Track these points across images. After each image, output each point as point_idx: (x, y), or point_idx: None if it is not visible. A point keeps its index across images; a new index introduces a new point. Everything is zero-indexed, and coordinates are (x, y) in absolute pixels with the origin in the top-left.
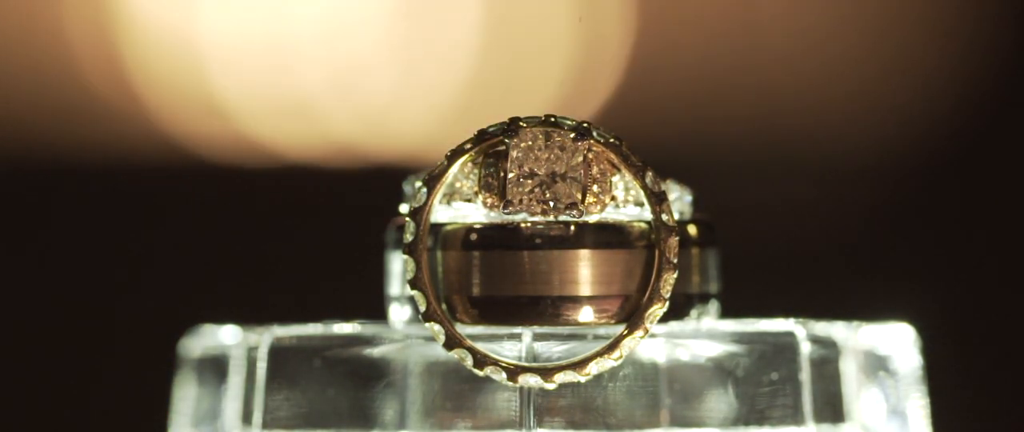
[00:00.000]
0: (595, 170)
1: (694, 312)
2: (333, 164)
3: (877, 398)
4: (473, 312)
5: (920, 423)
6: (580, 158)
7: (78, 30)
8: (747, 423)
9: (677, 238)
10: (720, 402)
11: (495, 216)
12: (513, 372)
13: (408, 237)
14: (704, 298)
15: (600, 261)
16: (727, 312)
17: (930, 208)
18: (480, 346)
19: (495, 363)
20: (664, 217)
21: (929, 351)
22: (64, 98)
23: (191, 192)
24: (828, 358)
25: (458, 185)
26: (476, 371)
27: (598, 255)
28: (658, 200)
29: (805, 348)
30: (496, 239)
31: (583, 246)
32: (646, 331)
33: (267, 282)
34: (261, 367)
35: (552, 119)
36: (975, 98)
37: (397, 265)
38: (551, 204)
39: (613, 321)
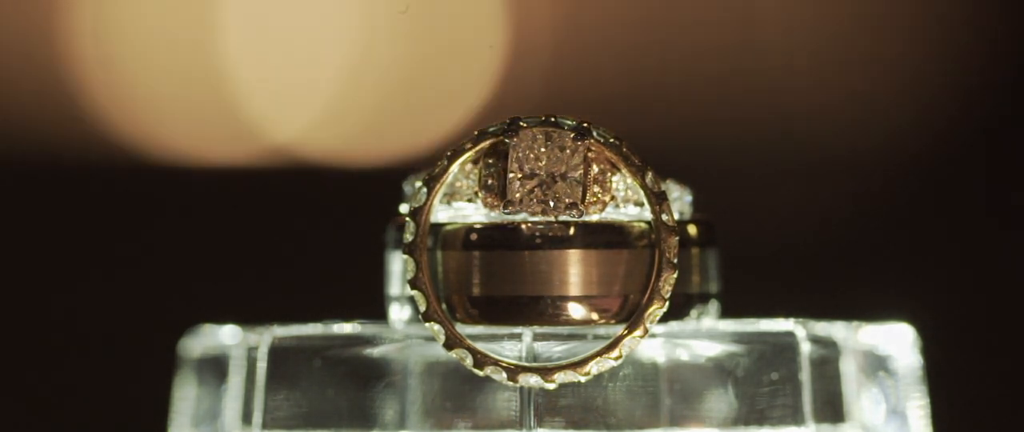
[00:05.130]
0: (595, 170)
1: (694, 312)
2: (333, 164)
3: (877, 398)
4: (473, 312)
5: (920, 423)
6: (580, 158)
7: (79, 30)
8: (747, 423)
9: (677, 238)
10: (720, 402)
11: (495, 216)
12: (513, 372)
13: (408, 237)
14: (704, 298)
15: (600, 261)
16: (727, 312)
17: (930, 208)
18: (480, 346)
19: (495, 363)
20: (664, 217)
21: (929, 351)
22: (63, 98)
23: (191, 192)
24: (828, 358)
25: (458, 185)
26: (476, 371)
27: (598, 255)
28: (658, 200)
29: (805, 348)
30: (496, 239)
31: (583, 246)
32: (646, 331)
33: (267, 282)
34: (261, 367)
35: (552, 119)
36: (976, 98)
37: (397, 265)
38: (551, 204)
39: (613, 321)
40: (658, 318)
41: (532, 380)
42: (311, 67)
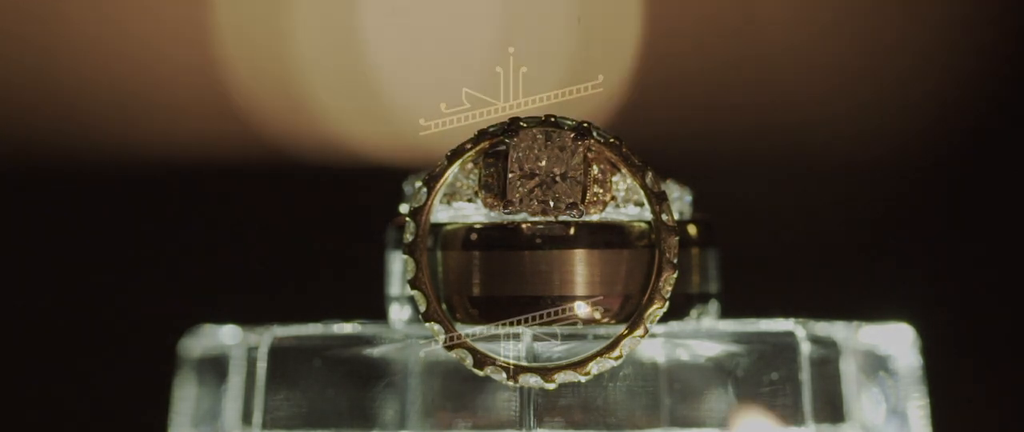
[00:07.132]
0: (595, 170)
1: (694, 312)
2: (333, 164)
3: (877, 398)
4: (473, 312)
5: (920, 423)
6: (580, 158)
7: (78, 28)
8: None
9: (677, 238)
10: (720, 402)
11: (495, 216)
12: (513, 372)
13: (408, 237)
14: (704, 298)
15: (600, 261)
16: (727, 312)
17: (930, 208)
18: (480, 346)
19: (495, 363)
20: (664, 217)
21: (929, 351)
22: (63, 98)
23: (191, 192)
24: (828, 358)
25: (458, 185)
26: (476, 371)
27: (598, 255)
28: (658, 200)
29: (805, 348)
30: (496, 239)
31: (583, 246)
32: (646, 331)
33: (267, 282)
34: (261, 367)
35: (552, 119)
36: (976, 98)
37: (397, 265)
38: (551, 204)
39: (613, 321)
40: (658, 318)
41: (532, 380)
42: (316, 67)
